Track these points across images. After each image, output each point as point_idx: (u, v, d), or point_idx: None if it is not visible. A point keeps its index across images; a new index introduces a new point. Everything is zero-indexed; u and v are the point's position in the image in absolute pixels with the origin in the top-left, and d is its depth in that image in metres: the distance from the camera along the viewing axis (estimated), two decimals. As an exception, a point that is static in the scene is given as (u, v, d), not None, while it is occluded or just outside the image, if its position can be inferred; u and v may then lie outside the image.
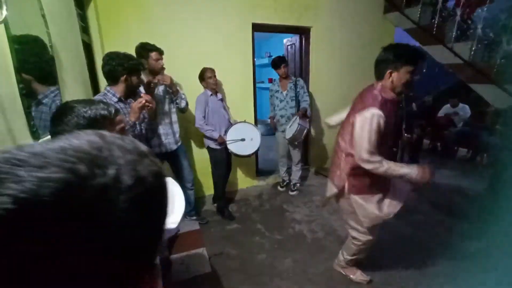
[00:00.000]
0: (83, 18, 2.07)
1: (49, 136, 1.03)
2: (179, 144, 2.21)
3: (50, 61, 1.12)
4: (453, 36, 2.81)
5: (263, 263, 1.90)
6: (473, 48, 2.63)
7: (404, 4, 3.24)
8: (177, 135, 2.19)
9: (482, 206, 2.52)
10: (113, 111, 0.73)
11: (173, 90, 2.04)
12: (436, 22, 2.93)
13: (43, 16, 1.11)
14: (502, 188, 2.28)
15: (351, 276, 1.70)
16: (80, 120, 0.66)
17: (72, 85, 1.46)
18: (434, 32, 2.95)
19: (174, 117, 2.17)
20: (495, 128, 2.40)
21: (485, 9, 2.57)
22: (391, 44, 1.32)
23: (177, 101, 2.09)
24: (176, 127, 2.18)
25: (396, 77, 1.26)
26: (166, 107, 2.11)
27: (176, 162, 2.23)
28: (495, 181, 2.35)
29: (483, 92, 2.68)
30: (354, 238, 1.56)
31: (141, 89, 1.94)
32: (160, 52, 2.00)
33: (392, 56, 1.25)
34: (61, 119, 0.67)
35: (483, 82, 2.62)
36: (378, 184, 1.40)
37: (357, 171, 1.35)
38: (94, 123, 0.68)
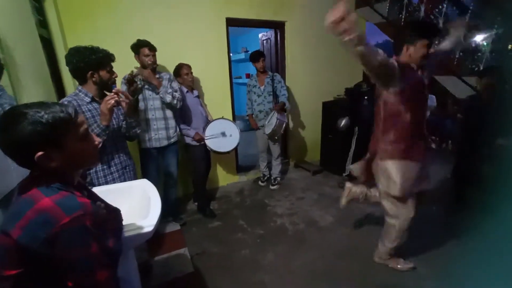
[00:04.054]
0: (39, 11, 1.90)
1: None
2: (171, 140, 2.14)
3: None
4: (419, 30, 2.96)
5: (246, 258, 1.92)
6: (436, 42, 2.80)
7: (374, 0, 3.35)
8: (171, 131, 2.13)
9: (449, 191, 2.72)
10: (72, 112, 0.66)
11: (153, 84, 1.96)
12: (403, 17, 3.07)
13: (-12, 8, 1.00)
14: (464, 173, 2.47)
15: (397, 266, 1.70)
16: (37, 127, 0.58)
17: (30, 85, 1.34)
18: (401, 26, 3.09)
19: (169, 112, 2.11)
20: (457, 116, 2.59)
21: (445, 5, 2.74)
22: (408, 21, 1.42)
23: (161, 94, 1.98)
24: (171, 122, 2.13)
25: (413, 51, 1.36)
26: (158, 102, 2.04)
27: (165, 158, 2.19)
28: (458, 169, 2.54)
29: (446, 83, 2.87)
30: (391, 217, 1.60)
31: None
32: (151, 48, 1.95)
33: (409, 31, 1.37)
34: (11, 128, 0.58)
35: (445, 74, 2.81)
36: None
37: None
38: (54, 128, 0.61)
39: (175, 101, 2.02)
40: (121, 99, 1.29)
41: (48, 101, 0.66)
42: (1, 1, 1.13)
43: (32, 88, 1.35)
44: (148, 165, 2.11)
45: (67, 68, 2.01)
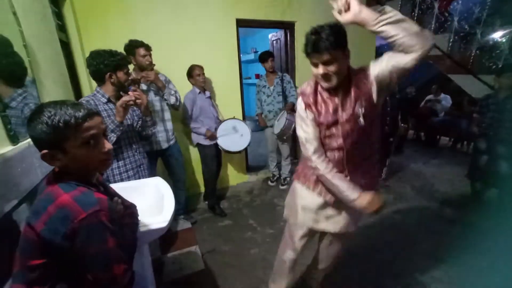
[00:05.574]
0: (59, 16, 1.98)
1: (28, 140, 0.99)
2: (171, 142, 2.16)
3: (19, 61, 1.05)
4: (432, 28, 2.90)
5: (256, 257, 1.93)
6: (451, 40, 2.73)
7: (385, -2, 3.30)
8: (170, 133, 2.15)
9: (463, 191, 2.65)
10: (80, 116, 0.65)
11: (158, 86, 1.98)
12: (416, 15, 3.01)
13: (14, 13, 1.05)
14: (479, 174, 2.40)
15: None
16: (43, 128, 0.61)
17: (52, 87, 1.40)
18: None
19: (167, 114, 2.12)
20: (472, 116, 2.51)
21: (460, 2, 2.66)
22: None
23: (165, 96, 2.01)
24: (169, 125, 2.14)
25: None
26: (158, 104, 2.07)
27: (168, 161, 2.21)
28: (474, 168, 2.47)
29: (461, 82, 2.79)
30: None
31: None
32: (147, 47, 1.92)
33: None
34: (30, 123, 0.63)
35: (461, 73, 2.73)
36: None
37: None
38: (54, 130, 0.62)
39: (178, 103, 2.06)
40: (138, 99, 1.35)
41: (68, 100, 0.68)
42: (26, 8, 1.20)
43: (53, 90, 1.41)
44: (148, 167, 2.13)
45: (84, 70, 2.13)
